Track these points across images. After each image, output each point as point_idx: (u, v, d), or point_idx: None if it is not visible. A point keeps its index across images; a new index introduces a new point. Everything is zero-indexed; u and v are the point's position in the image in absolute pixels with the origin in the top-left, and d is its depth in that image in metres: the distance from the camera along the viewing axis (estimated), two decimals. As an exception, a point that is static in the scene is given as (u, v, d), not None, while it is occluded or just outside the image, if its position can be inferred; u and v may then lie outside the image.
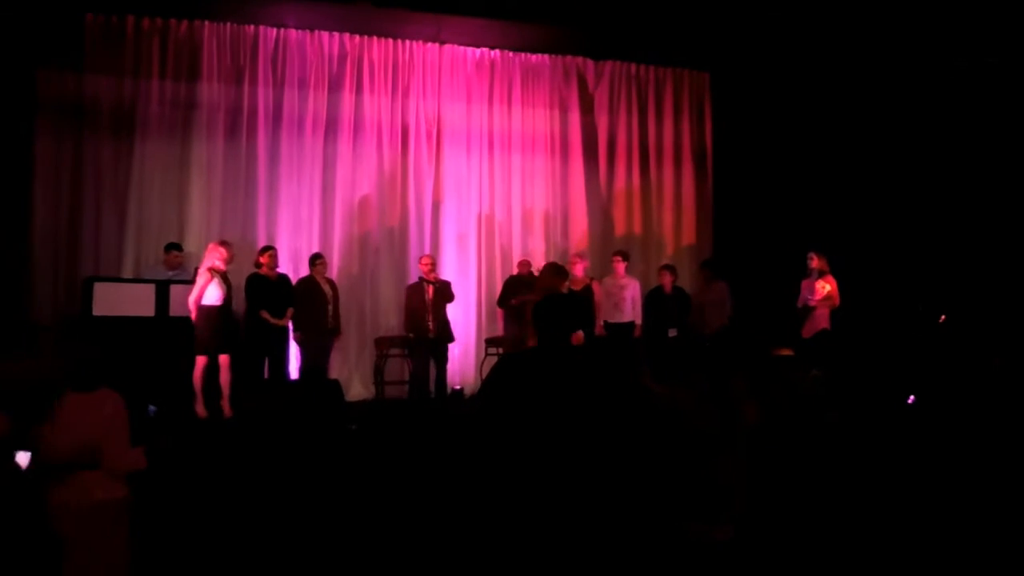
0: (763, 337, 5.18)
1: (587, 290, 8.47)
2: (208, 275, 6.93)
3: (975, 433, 6.19)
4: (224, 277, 7.06)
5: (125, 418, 2.99)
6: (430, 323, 8.08)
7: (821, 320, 7.93)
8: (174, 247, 7.99)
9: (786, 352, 5.40)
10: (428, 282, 8.16)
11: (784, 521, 4.12)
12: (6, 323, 7.57)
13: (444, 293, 8.26)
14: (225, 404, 7.01)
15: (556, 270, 6.09)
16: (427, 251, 9.06)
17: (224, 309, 7.04)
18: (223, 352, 7.01)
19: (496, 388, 2.68)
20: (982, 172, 8.52)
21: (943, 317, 8.16)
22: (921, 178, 8.82)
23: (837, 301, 7.95)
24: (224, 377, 7.01)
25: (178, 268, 7.81)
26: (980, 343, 7.86)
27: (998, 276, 8.25)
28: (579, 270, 8.51)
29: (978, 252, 8.43)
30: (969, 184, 8.58)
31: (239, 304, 7.67)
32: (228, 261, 7.09)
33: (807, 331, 7.96)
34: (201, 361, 6.94)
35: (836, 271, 8.04)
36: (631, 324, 8.52)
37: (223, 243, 7.19)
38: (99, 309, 7.22)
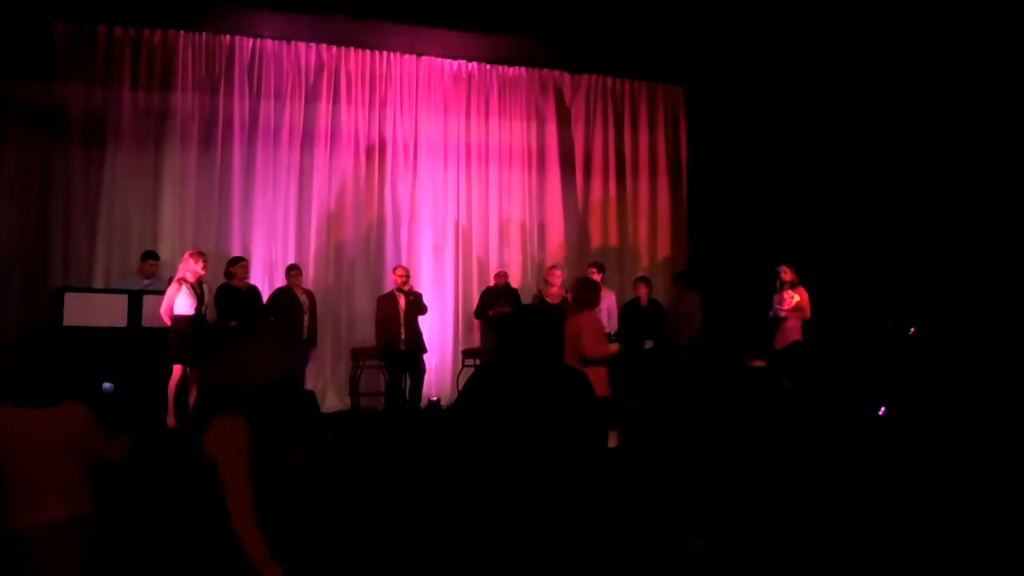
0: (736, 349, 5.24)
1: (563, 303, 8.51)
2: (177, 285, 6.88)
3: (945, 444, 6.29)
4: (195, 287, 6.99)
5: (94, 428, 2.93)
6: (402, 335, 7.98)
7: (793, 332, 8.01)
8: (150, 255, 7.90)
9: (759, 363, 5.46)
10: (402, 293, 8.10)
11: (758, 531, 4.15)
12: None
13: (416, 305, 8.17)
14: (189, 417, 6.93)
15: (589, 284, 6.09)
16: (403, 262, 9.03)
17: (197, 319, 6.97)
18: (195, 362, 6.93)
19: (466, 399, 2.69)
20: (950, 187, 8.66)
21: (912, 329, 8.27)
22: (892, 191, 8.96)
23: (808, 313, 8.04)
24: (193, 388, 6.93)
25: (153, 277, 7.72)
26: (950, 356, 7.98)
27: (968, 289, 8.38)
28: (557, 283, 8.55)
29: (948, 265, 8.56)
30: (941, 197, 8.72)
31: (212, 315, 7.61)
32: (199, 273, 7.02)
33: (779, 342, 8.03)
34: (177, 371, 6.88)
35: (808, 283, 8.14)
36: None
37: (198, 254, 7.11)
38: (70, 319, 7.12)
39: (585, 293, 5.71)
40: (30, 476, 2.79)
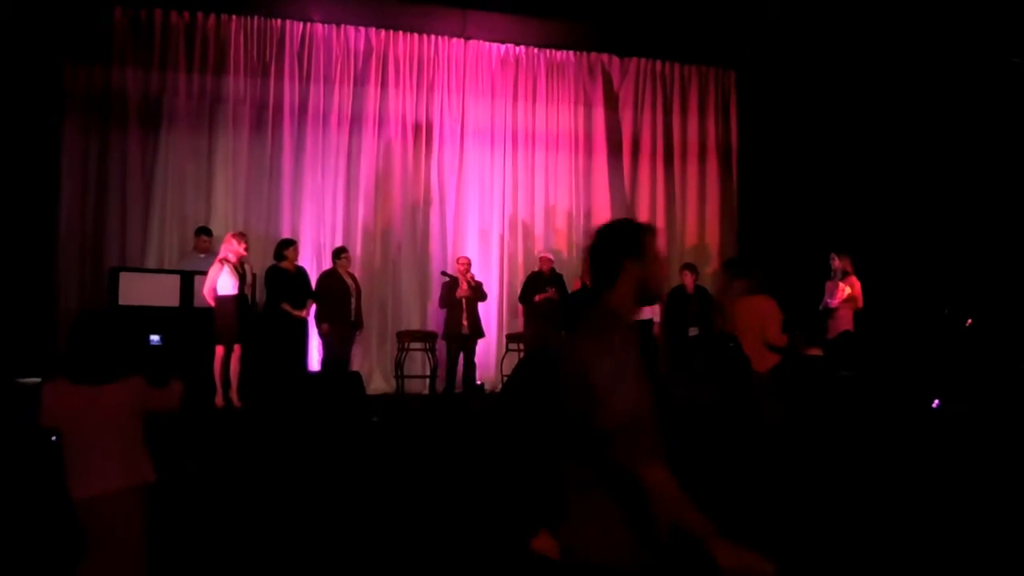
0: (792, 337, 5.15)
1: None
2: (219, 265, 6.96)
3: (1000, 438, 6.11)
4: (238, 267, 7.05)
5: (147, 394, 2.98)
6: (464, 320, 8.26)
7: (844, 322, 7.84)
8: (204, 231, 8.08)
9: (815, 352, 5.36)
10: (464, 280, 8.34)
11: (803, 518, 4.08)
12: (34, 313, 7.69)
13: (478, 292, 8.46)
14: (234, 395, 7.00)
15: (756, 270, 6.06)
16: (449, 246, 9.20)
17: (239, 299, 7.05)
18: (237, 342, 7.02)
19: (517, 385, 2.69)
20: (1010, 174, 8.38)
21: (969, 321, 8.05)
22: (949, 179, 8.70)
23: (860, 303, 7.85)
24: (234, 368, 7.01)
25: (207, 252, 7.87)
26: (1006, 347, 7.74)
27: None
28: None
29: (1005, 255, 8.29)
30: (997, 185, 8.44)
31: (259, 296, 7.73)
32: (241, 254, 7.09)
33: (830, 332, 7.87)
34: (220, 351, 6.97)
35: (862, 271, 7.94)
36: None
37: (239, 235, 7.18)
38: (125, 299, 7.30)
39: (760, 280, 5.71)
40: (90, 447, 2.86)
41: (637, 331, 2.25)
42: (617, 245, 2.20)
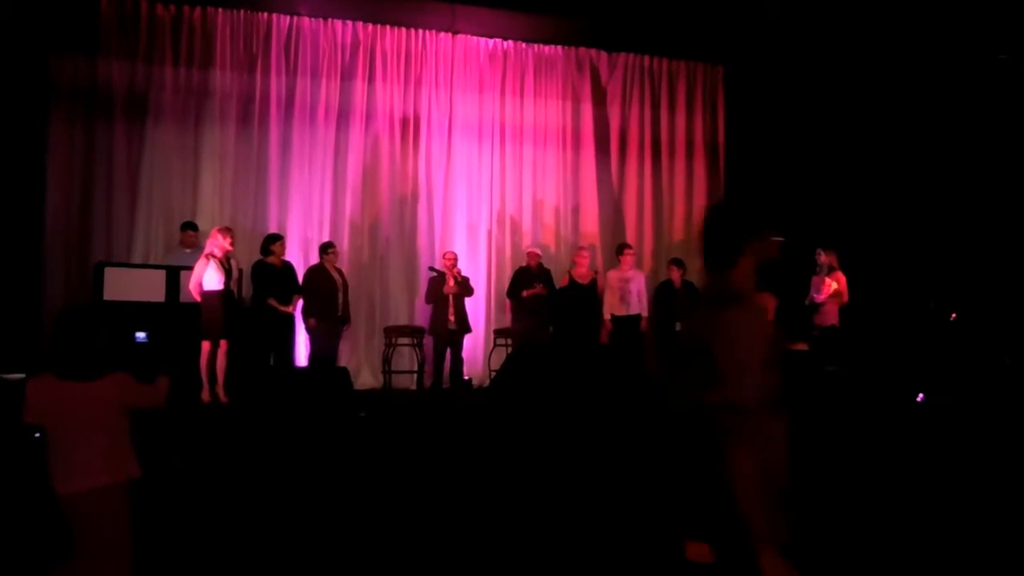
0: (777, 331, 5.19)
1: (593, 283, 8.54)
2: (205, 260, 6.93)
3: (985, 432, 6.17)
4: (223, 262, 7.02)
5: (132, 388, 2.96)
6: (451, 315, 8.26)
7: (830, 316, 7.91)
8: (190, 226, 8.05)
9: (800, 347, 5.39)
10: (451, 275, 8.35)
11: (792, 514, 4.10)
12: (19, 308, 7.63)
13: (464, 287, 8.44)
14: (220, 391, 6.97)
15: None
16: (437, 241, 9.18)
17: (225, 294, 7.02)
18: (223, 337, 6.99)
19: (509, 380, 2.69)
20: (995, 169, 8.44)
21: (954, 315, 8.11)
22: (933, 175, 8.76)
23: (846, 298, 7.92)
24: (220, 363, 6.98)
25: (193, 247, 7.84)
26: (991, 342, 7.81)
27: (1009, 275, 8.19)
28: (584, 264, 8.56)
29: (990, 250, 8.36)
30: (982, 181, 8.51)
31: (245, 291, 7.71)
32: (227, 249, 7.06)
33: (816, 327, 7.93)
34: (206, 346, 6.95)
35: (847, 267, 8.00)
36: (637, 317, 8.53)
37: (225, 229, 7.16)
38: (110, 294, 7.25)
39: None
40: (76, 444, 2.84)
41: (763, 308, 2.25)
42: (740, 226, 2.22)
